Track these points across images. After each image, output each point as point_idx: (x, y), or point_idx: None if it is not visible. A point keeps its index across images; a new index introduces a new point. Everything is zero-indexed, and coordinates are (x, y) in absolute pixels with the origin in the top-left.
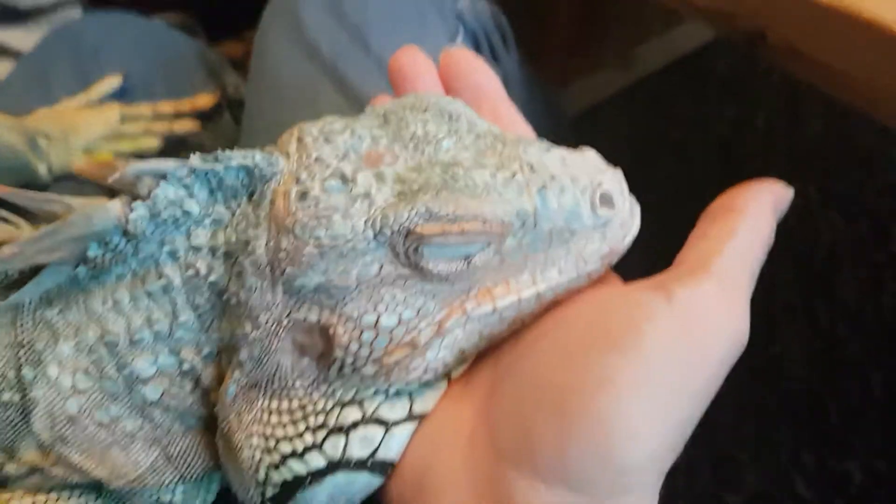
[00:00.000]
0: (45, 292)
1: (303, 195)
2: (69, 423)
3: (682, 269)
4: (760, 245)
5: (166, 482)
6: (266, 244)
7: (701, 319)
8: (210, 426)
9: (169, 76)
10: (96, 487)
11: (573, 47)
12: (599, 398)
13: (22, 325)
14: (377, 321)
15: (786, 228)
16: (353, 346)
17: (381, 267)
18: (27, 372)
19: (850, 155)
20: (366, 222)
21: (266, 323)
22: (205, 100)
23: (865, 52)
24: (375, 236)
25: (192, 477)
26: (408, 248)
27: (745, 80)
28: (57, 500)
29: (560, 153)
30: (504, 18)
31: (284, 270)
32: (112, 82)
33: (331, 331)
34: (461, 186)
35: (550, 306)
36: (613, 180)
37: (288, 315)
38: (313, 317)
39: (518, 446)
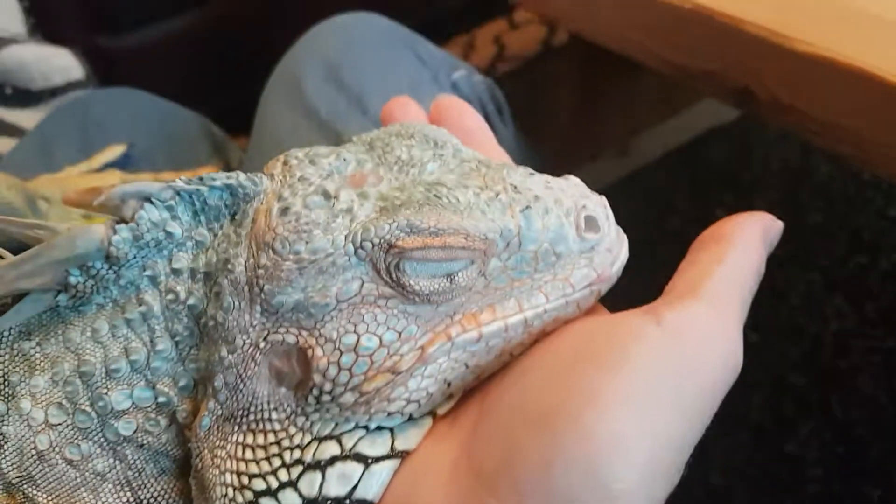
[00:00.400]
0: (24, 325)
1: (284, 210)
2: (38, 460)
3: (672, 295)
4: (751, 272)
5: None
6: (245, 262)
7: (691, 339)
8: (184, 472)
9: (173, 148)
10: None
11: (571, 136)
12: (585, 413)
13: None
14: (357, 343)
15: (791, 314)
16: (332, 371)
17: (362, 285)
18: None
19: (852, 241)
20: (346, 237)
21: (242, 346)
22: (207, 171)
23: (853, 100)
24: (356, 251)
25: None
26: (389, 264)
27: (743, 167)
28: None
29: (544, 178)
30: (500, 91)
31: (263, 288)
32: (115, 151)
33: (309, 353)
34: (444, 203)
35: (539, 337)
36: (598, 204)
37: (265, 338)
38: (291, 338)
39: (500, 467)
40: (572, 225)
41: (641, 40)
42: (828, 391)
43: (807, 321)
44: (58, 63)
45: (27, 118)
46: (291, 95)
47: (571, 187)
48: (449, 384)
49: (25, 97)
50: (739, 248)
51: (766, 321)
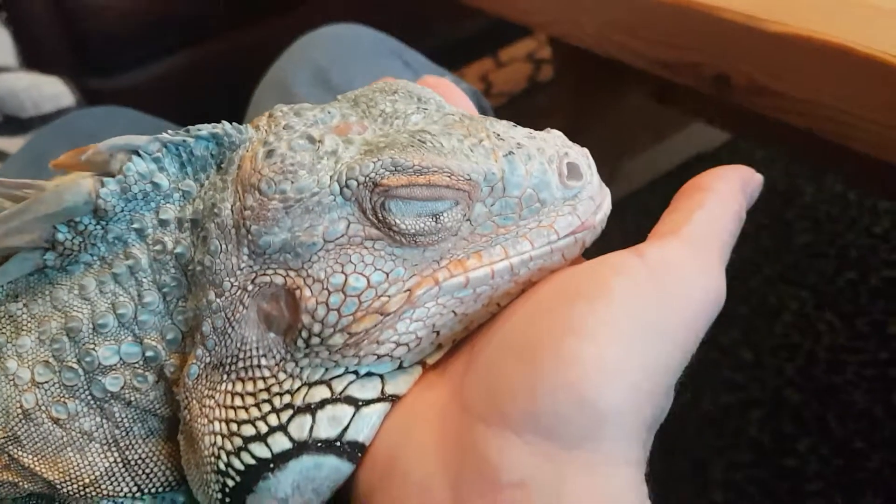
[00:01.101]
0: (11, 288)
1: (269, 153)
2: (23, 419)
3: (655, 237)
4: (731, 217)
5: (122, 492)
6: (232, 205)
7: (671, 272)
8: (172, 434)
9: None
10: (47, 501)
11: None
12: (568, 341)
13: None
14: (345, 283)
15: (785, 332)
16: (321, 311)
17: (349, 225)
18: None
19: (841, 259)
20: (331, 177)
21: (230, 289)
22: None
23: (828, 75)
24: (341, 190)
25: (150, 490)
26: (374, 203)
27: None
28: None
29: (526, 130)
30: (487, 102)
31: (249, 229)
32: None
33: (297, 294)
34: (428, 147)
35: (525, 287)
36: (580, 153)
37: (253, 280)
38: (279, 279)
39: (486, 399)
40: (555, 172)
41: (623, 40)
42: (824, 406)
43: (800, 338)
44: (48, 91)
45: (17, 146)
46: (280, 99)
47: (554, 138)
48: (437, 332)
49: (16, 125)
50: (719, 194)
51: (760, 340)
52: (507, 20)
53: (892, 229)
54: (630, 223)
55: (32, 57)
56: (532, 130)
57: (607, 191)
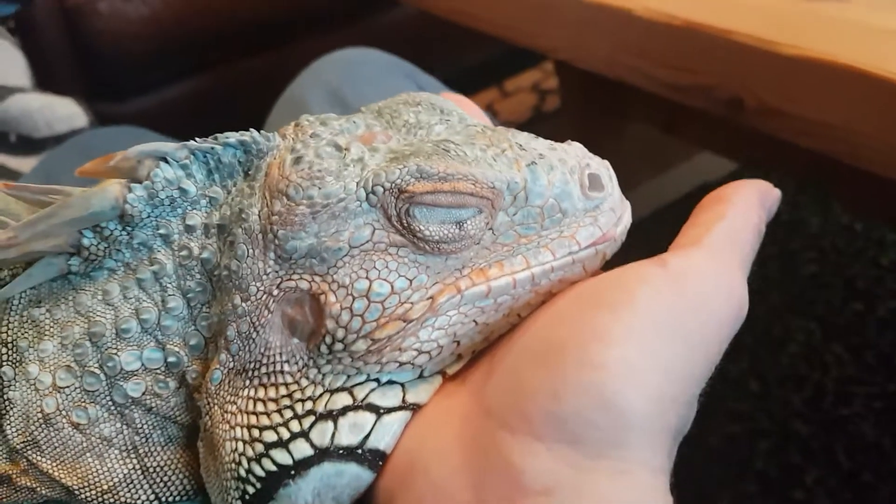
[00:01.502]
0: (34, 293)
1: (297, 160)
2: (44, 424)
3: (677, 248)
4: (751, 229)
5: (140, 499)
6: (259, 211)
7: (694, 280)
8: (191, 442)
9: None
10: None
11: None
12: (594, 348)
13: (8, 323)
14: (369, 289)
15: (792, 363)
16: (345, 317)
17: (374, 231)
18: (7, 370)
19: (847, 290)
20: (357, 183)
21: (256, 293)
22: None
23: (839, 97)
24: (367, 196)
25: (167, 499)
26: (400, 210)
27: None
28: None
29: (548, 141)
30: (495, 119)
31: (277, 234)
32: None
33: (322, 299)
34: (452, 155)
35: (546, 298)
36: (601, 165)
37: (279, 285)
38: (304, 284)
39: (511, 405)
40: (577, 183)
41: (632, 63)
42: (832, 438)
43: (808, 370)
44: (62, 112)
45: (30, 165)
46: (297, 118)
47: (575, 149)
48: (458, 342)
49: (30, 145)
50: (739, 207)
51: (767, 371)
52: (516, 46)
53: None
54: (633, 253)
55: (44, 81)
56: (553, 142)
57: (627, 203)
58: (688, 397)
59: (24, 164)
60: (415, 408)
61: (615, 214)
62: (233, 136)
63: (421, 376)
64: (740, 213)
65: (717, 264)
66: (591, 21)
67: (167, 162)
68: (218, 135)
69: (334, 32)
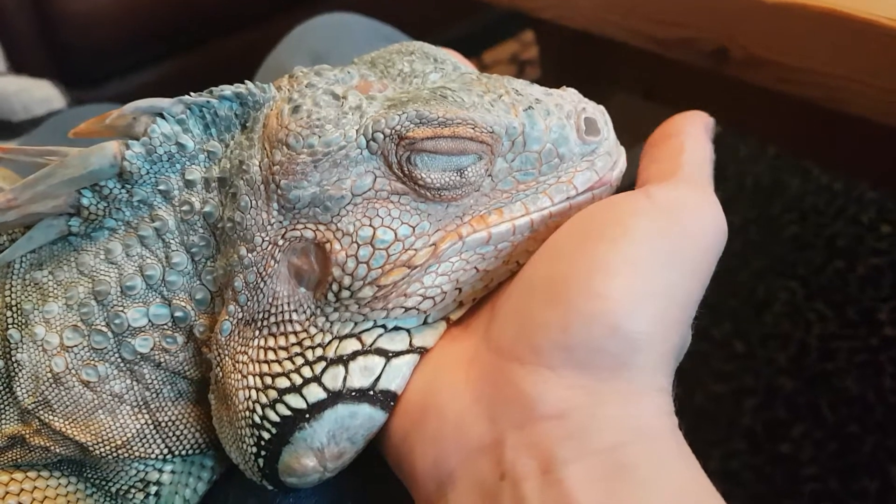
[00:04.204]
0: (35, 256)
1: (295, 109)
2: (54, 383)
3: (652, 182)
4: (707, 157)
5: (153, 454)
6: (260, 162)
7: (680, 209)
8: (201, 397)
9: None
10: (77, 467)
11: None
12: (595, 278)
13: (11, 287)
14: (373, 235)
15: (776, 322)
16: (350, 264)
17: (375, 179)
18: (13, 333)
19: (828, 249)
20: (357, 130)
21: (261, 244)
22: None
23: (824, 42)
24: (368, 143)
25: (181, 452)
26: (400, 157)
27: (717, 186)
28: (36, 478)
29: (543, 87)
30: None
31: (279, 184)
32: None
33: (327, 247)
34: (451, 101)
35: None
36: (597, 109)
37: (283, 235)
38: (309, 233)
39: (519, 340)
40: (573, 127)
41: (619, 20)
42: (817, 393)
43: (791, 328)
44: (39, 94)
45: None
46: None
47: (570, 94)
48: (460, 288)
49: (7, 129)
50: (693, 139)
51: (751, 330)
52: (493, 18)
53: (879, 218)
54: None
55: (16, 68)
56: (548, 88)
57: (622, 149)
58: (686, 317)
59: None
60: (422, 351)
61: (611, 158)
62: (228, 89)
63: (426, 322)
64: (698, 144)
65: (698, 193)
66: None
67: (163, 117)
68: (213, 88)
69: (306, 9)
